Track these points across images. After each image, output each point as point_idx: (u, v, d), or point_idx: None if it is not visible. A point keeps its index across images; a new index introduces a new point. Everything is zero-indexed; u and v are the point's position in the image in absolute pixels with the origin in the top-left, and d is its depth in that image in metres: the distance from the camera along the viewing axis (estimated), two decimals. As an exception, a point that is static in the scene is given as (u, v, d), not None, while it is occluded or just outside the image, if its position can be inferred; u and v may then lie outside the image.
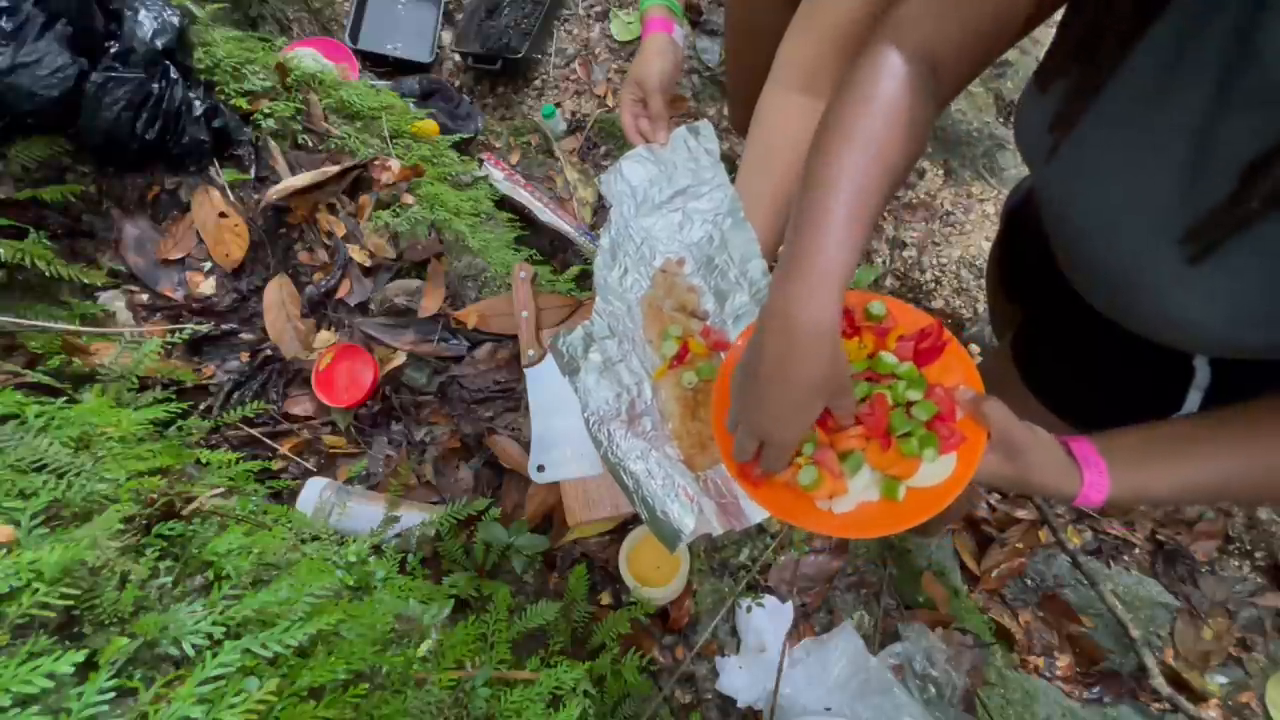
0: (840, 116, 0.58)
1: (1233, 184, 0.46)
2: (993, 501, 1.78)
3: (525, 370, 1.06)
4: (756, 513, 0.79)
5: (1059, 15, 0.58)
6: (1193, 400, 0.70)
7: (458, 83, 2.19)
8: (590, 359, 0.89)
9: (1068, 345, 0.84)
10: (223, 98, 1.21)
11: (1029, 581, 1.69)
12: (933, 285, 2.05)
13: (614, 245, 0.92)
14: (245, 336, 1.16)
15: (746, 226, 0.85)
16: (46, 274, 1.00)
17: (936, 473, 0.59)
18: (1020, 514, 1.74)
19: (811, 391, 0.55)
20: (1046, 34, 0.61)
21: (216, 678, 0.44)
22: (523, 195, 1.82)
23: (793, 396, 0.55)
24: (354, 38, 2.04)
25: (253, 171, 1.22)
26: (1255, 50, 0.43)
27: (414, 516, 1.02)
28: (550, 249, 1.85)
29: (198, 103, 1.15)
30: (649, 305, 0.90)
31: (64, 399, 0.72)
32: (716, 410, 0.70)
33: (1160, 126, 0.50)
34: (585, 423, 0.87)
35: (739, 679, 1.04)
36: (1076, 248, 0.65)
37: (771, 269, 0.85)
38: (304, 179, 1.18)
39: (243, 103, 1.22)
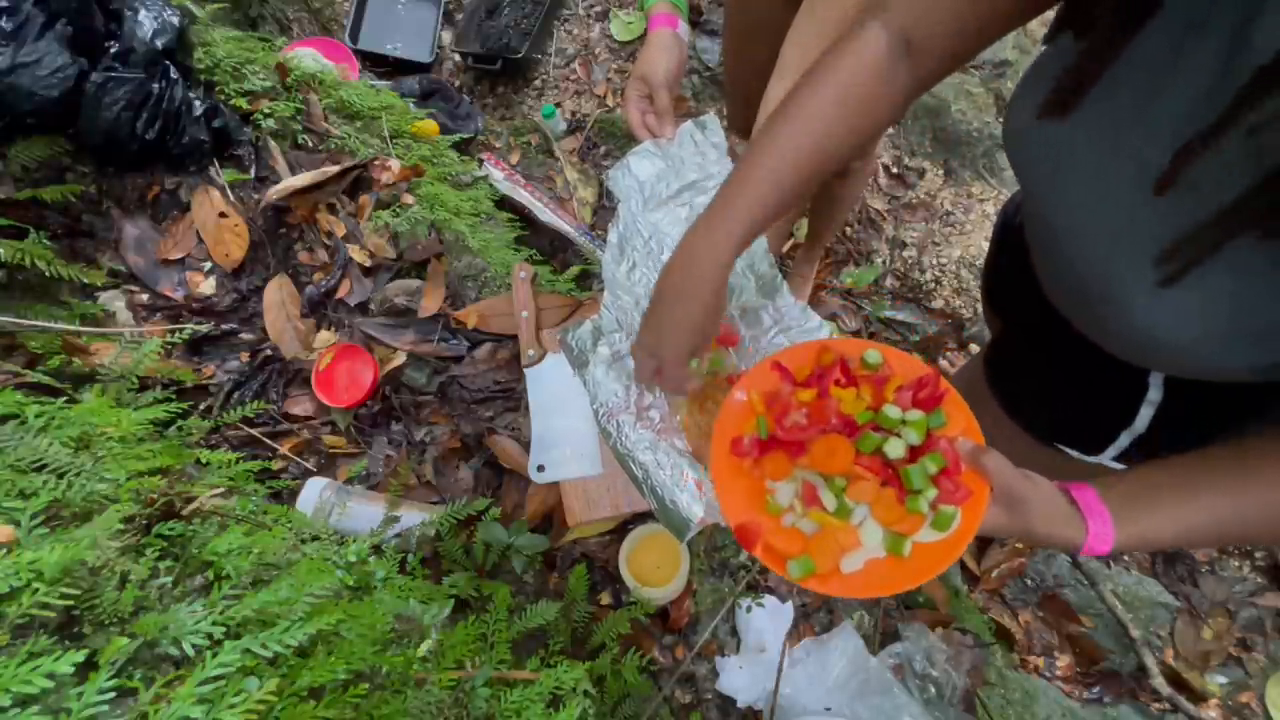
0: (796, 90, 0.63)
1: (1217, 202, 0.45)
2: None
3: (525, 370, 1.06)
4: None
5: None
6: (1144, 416, 0.70)
7: (458, 83, 2.19)
8: (599, 352, 0.90)
9: (1034, 354, 0.86)
10: (223, 98, 1.21)
11: (1029, 581, 1.69)
12: (933, 285, 2.05)
13: (622, 240, 0.93)
14: (245, 336, 1.16)
15: None
16: (46, 274, 1.00)
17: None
18: (1020, 514, 1.74)
19: (694, 310, 0.65)
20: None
21: (216, 678, 0.44)
22: (523, 195, 1.82)
23: (678, 314, 0.65)
24: (354, 38, 2.05)
25: (253, 171, 1.22)
26: (1245, 63, 0.42)
27: (414, 516, 1.02)
28: (550, 249, 1.85)
29: (198, 103, 1.15)
30: None
31: (64, 399, 0.72)
32: (716, 459, 0.68)
33: (1141, 141, 0.50)
34: (594, 414, 0.88)
35: (739, 679, 1.03)
36: (1054, 257, 0.65)
37: (779, 262, 0.86)
38: (304, 179, 1.18)
39: (243, 103, 1.22)
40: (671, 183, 0.93)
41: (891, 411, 0.62)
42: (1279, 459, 0.54)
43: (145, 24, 1.07)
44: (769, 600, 1.09)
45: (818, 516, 0.62)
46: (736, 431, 0.68)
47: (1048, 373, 0.83)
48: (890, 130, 2.17)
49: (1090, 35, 0.51)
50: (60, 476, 0.58)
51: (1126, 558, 1.77)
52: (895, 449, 0.61)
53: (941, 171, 2.19)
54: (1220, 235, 0.46)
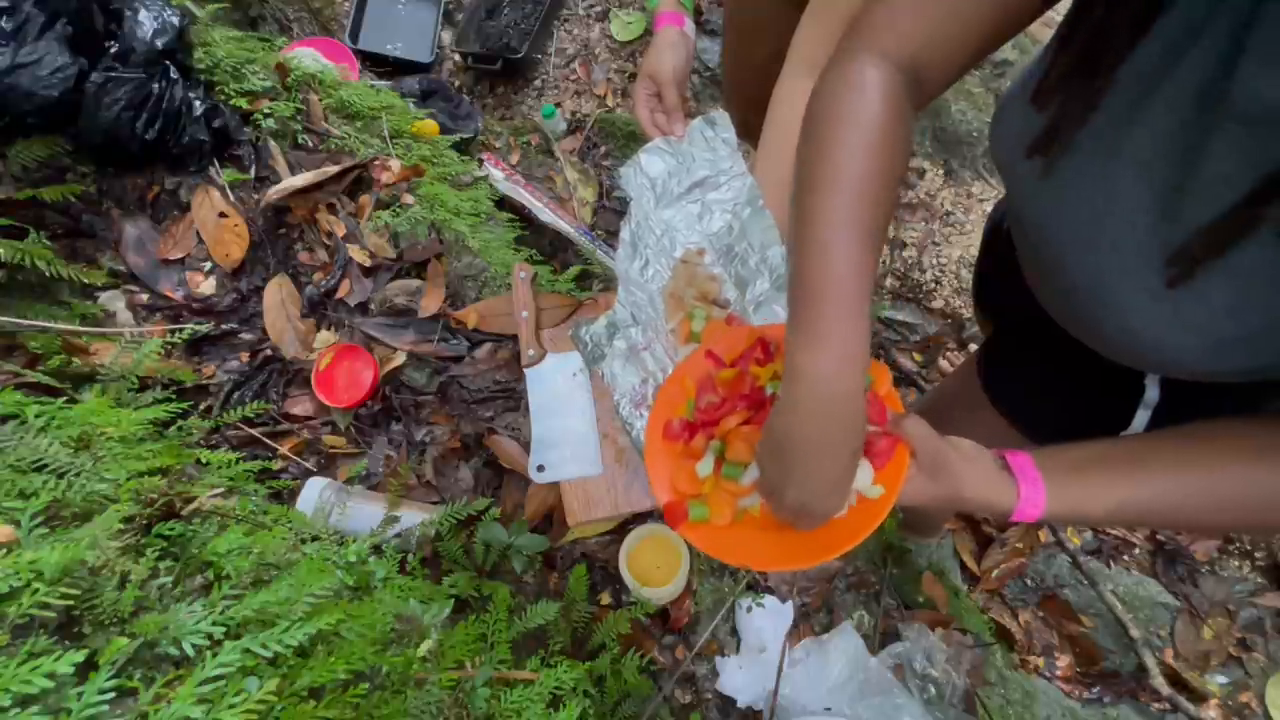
0: (822, 153, 0.55)
1: (1218, 206, 0.45)
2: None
3: (525, 370, 1.06)
4: None
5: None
6: (1141, 418, 0.70)
7: (458, 83, 2.20)
8: (615, 345, 0.92)
9: (1028, 358, 0.85)
10: (223, 98, 1.21)
11: (1029, 581, 1.69)
12: (933, 285, 2.05)
13: (634, 238, 0.94)
14: (245, 336, 1.16)
15: (765, 214, 0.86)
16: (46, 274, 1.00)
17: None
18: (1020, 514, 1.74)
19: (849, 462, 0.55)
20: (1047, 35, 0.61)
21: (216, 678, 0.44)
22: (523, 195, 1.82)
23: (834, 471, 0.54)
24: (354, 38, 2.05)
25: (253, 171, 1.22)
26: (1233, 75, 0.42)
27: (414, 516, 1.02)
28: (550, 249, 1.85)
29: (198, 103, 1.15)
30: (670, 296, 0.91)
31: (64, 399, 0.72)
32: (650, 442, 0.72)
33: (1143, 145, 0.49)
34: (615, 405, 0.90)
35: (739, 679, 1.03)
36: (1047, 262, 0.64)
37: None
38: (304, 179, 1.18)
39: (243, 103, 1.22)
40: (683, 179, 0.94)
41: None
42: (1224, 443, 0.54)
43: (145, 24, 1.07)
44: (769, 600, 1.09)
45: (732, 488, 0.66)
46: (669, 415, 0.72)
47: (1041, 375, 0.83)
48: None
49: (1106, 36, 0.50)
50: (60, 476, 0.58)
51: (1126, 557, 1.77)
52: None
53: (941, 171, 2.19)
54: (1233, 233, 0.45)
